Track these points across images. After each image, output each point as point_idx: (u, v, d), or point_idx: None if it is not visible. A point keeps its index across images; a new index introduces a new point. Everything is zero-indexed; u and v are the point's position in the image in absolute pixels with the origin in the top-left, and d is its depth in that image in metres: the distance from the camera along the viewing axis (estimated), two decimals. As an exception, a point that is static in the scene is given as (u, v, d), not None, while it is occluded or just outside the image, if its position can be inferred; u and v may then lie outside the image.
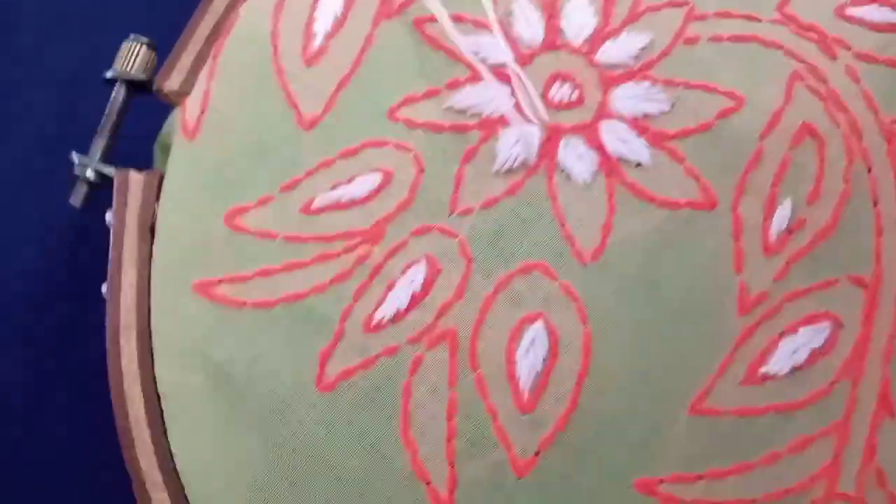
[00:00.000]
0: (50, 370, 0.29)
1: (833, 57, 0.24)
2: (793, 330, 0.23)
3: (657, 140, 0.23)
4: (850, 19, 0.24)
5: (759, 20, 0.24)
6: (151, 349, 0.23)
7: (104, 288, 0.24)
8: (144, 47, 0.25)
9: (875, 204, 0.23)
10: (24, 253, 0.28)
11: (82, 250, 0.29)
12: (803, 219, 0.23)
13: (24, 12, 0.32)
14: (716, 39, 0.24)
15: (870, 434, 0.22)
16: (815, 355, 0.22)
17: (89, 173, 0.25)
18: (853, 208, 0.23)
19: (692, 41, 0.24)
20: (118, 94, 0.25)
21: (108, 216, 0.25)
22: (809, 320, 0.23)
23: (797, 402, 0.22)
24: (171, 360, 0.23)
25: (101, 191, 0.25)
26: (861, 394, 0.22)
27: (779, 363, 0.22)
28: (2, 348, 0.29)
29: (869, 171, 0.23)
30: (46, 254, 0.28)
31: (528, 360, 0.22)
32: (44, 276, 0.26)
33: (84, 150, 0.25)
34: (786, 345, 0.23)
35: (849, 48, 0.24)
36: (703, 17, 0.24)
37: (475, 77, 0.24)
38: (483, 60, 0.24)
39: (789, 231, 0.23)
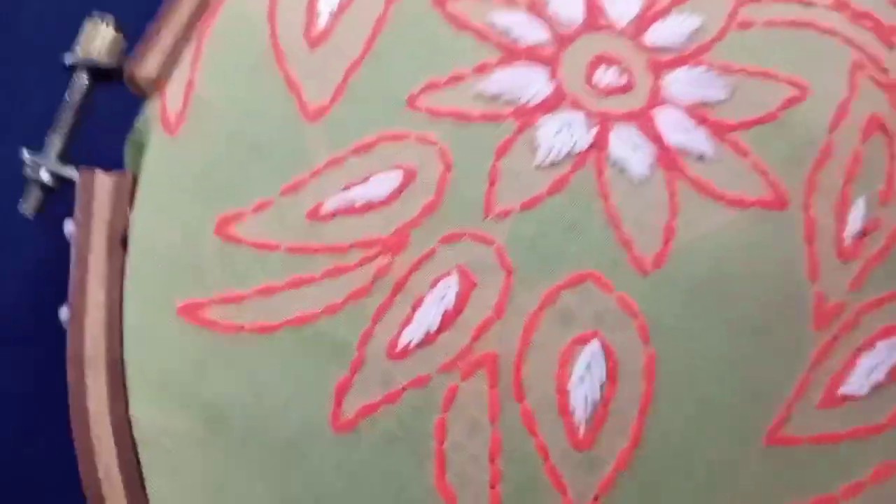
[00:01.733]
0: (50, 370, 0.26)
1: (891, 46, 0.22)
2: (870, 345, 0.21)
3: (718, 131, 0.21)
4: (907, 6, 0.22)
5: (813, 5, 0.22)
6: (125, 386, 0.20)
7: (62, 313, 0.20)
8: (110, 27, 0.22)
9: (951, 202, 0.21)
10: (24, 253, 0.28)
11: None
12: (878, 220, 0.21)
13: (24, 12, 0.32)
14: (770, 24, 0.22)
15: None
16: (895, 371, 0.20)
17: (43, 175, 0.21)
18: None
19: (745, 26, 0.22)
20: (79, 81, 0.21)
21: (68, 227, 0.21)
22: (887, 333, 0.21)
23: (879, 425, 0.20)
24: (151, 399, 0.20)
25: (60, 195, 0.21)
26: None
27: (858, 382, 0.20)
28: (1, 348, 0.28)
29: (941, 167, 0.21)
30: (46, 254, 0.27)
31: (584, 389, 0.19)
32: (44, 276, 0.25)
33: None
34: (865, 361, 0.20)
35: (907, 36, 0.22)
36: (755, 0, 0.22)
37: (508, 59, 0.21)
38: (516, 41, 0.21)
39: (864, 233, 0.21)
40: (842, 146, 0.21)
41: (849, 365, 0.20)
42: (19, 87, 0.31)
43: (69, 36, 0.30)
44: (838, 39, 0.22)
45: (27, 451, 0.27)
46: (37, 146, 0.27)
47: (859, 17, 0.23)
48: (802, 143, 0.21)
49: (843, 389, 0.20)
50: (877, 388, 0.20)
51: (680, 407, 0.20)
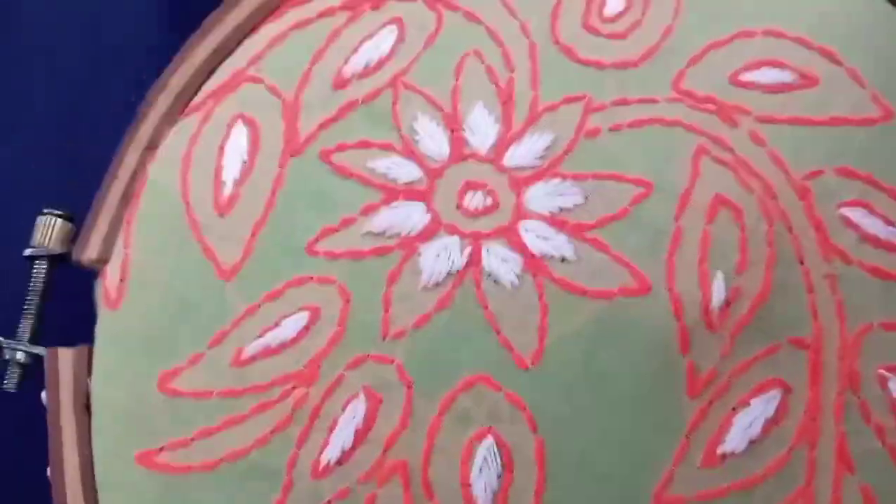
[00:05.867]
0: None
1: (734, 125, 0.24)
2: (744, 403, 0.22)
3: (577, 232, 0.23)
4: (745, 85, 0.25)
5: (655, 101, 0.25)
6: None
7: (49, 471, 0.24)
8: (60, 220, 0.25)
9: (801, 262, 0.23)
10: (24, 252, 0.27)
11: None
12: (738, 288, 0.23)
13: (24, 12, 0.32)
14: (616, 128, 0.24)
15: (833, 494, 0.22)
16: (769, 425, 0.22)
17: (20, 356, 0.24)
18: (782, 270, 0.23)
19: (593, 133, 0.24)
20: (39, 270, 0.25)
21: (44, 396, 0.24)
22: (759, 390, 0.22)
23: (758, 476, 0.22)
24: (123, 539, 0.22)
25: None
26: (819, 455, 0.22)
27: (735, 440, 0.22)
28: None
29: (790, 230, 0.23)
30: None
31: (483, 480, 0.22)
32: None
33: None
34: (740, 420, 0.22)
35: (749, 113, 0.24)
36: (601, 108, 0.24)
37: (389, 198, 0.24)
38: (394, 181, 0.24)
39: (727, 303, 0.23)
40: (690, 230, 0.23)
41: (725, 425, 0.22)
42: (20, 87, 0.31)
43: (70, 36, 0.31)
44: (683, 128, 0.24)
45: (27, 452, 0.26)
46: (36, 147, 0.27)
47: (701, 101, 0.25)
48: (655, 233, 0.23)
49: (722, 448, 0.22)
50: (754, 443, 0.22)
51: (572, 485, 0.22)
